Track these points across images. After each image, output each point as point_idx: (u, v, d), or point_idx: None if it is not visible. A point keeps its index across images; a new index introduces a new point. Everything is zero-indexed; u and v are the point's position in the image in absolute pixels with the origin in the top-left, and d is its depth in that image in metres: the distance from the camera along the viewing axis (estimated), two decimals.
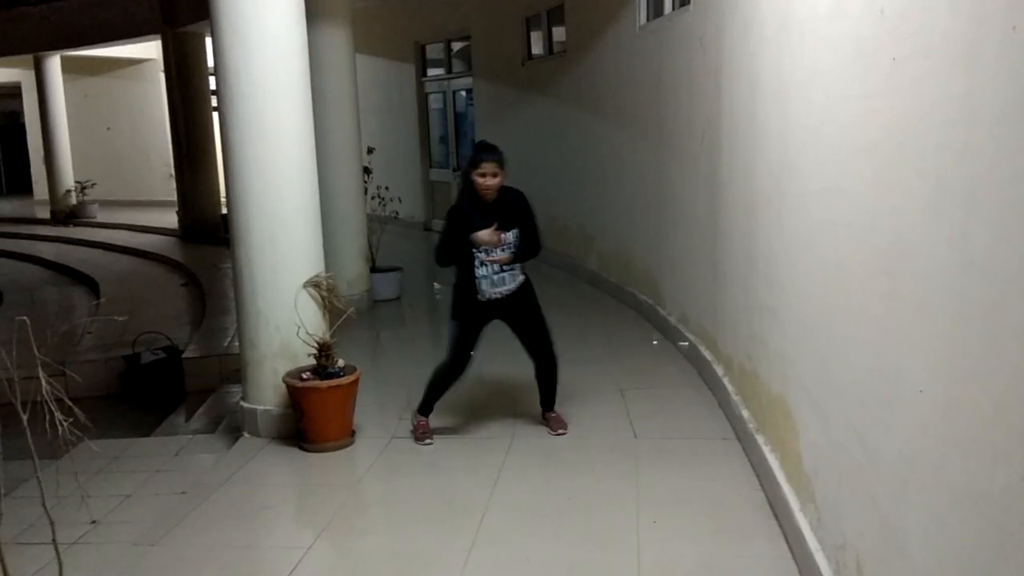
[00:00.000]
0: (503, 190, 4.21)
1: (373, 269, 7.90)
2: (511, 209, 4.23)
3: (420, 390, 4.58)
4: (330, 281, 4.65)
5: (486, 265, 4.20)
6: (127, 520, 3.82)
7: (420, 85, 12.65)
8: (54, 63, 16.38)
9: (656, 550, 3.28)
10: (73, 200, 16.66)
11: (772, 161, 3.61)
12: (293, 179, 4.49)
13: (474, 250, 4.17)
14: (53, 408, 2.39)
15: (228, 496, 3.98)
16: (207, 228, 13.26)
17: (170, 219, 14.43)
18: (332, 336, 4.56)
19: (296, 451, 4.44)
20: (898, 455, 2.20)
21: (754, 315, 4.00)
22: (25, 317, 2.47)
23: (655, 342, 6.22)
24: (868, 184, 2.43)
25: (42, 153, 17.46)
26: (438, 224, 12.42)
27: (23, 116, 20.87)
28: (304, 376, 4.41)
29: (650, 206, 6.53)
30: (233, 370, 5.80)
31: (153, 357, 6.73)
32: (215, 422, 5.35)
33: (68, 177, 16.77)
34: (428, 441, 4.42)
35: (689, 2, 5.37)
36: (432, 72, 12.67)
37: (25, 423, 2.41)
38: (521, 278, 4.33)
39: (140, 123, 18.65)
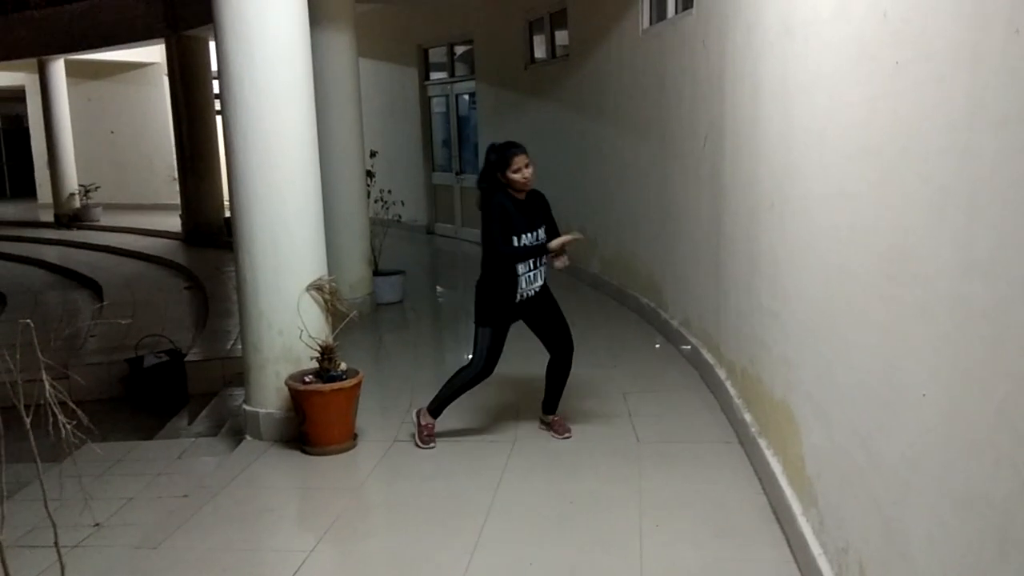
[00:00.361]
0: (528, 190, 4.26)
1: (376, 272, 7.91)
2: (539, 207, 4.29)
3: (423, 393, 4.59)
4: (333, 284, 4.65)
5: (525, 264, 4.21)
6: (129, 523, 3.82)
7: (423, 89, 12.67)
8: (58, 67, 16.41)
9: (658, 554, 3.27)
10: (77, 203, 16.68)
11: (775, 164, 3.61)
12: (296, 182, 4.49)
13: (511, 255, 4.18)
14: (56, 411, 2.39)
15: (230, 499, 3.98)
16: (210, 231, 13.29)
17: (173, 222, 14.46)
18: (335, 339, 4.56)
19: (298, 454, 4.44)
20: (901, 459, 2.19)
21: (757, 319, 3.99)
22: (29, 320, 2.47)
23: (657, 346, 6.22)
24: (871, 187, 2.43)
25: (46, 157, 17.48)
26: (440, 228, 12.45)
27: (27, 120, 20.91)
28: (307, 379, 4.42)
29: (652, 209, 6.53)
30: (236, 373, 5.80)
31: (156, 360, 6.74)
32: (218, 425, 5.36)
33: (72, 180, 16.79)
34: (432, 445, 4.41)
35: (692, 6, 5.37)
36: (435, 76, 12.68)
37: (28, 426, 2.41)
38: (546, 274, 4.36)
39: (144, 127, 18.69)
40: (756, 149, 3.95)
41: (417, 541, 3.50)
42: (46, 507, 2.56)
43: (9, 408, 2.44)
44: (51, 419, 2.39)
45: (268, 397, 4.62)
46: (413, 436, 4.49)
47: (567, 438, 4.45)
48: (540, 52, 9.67)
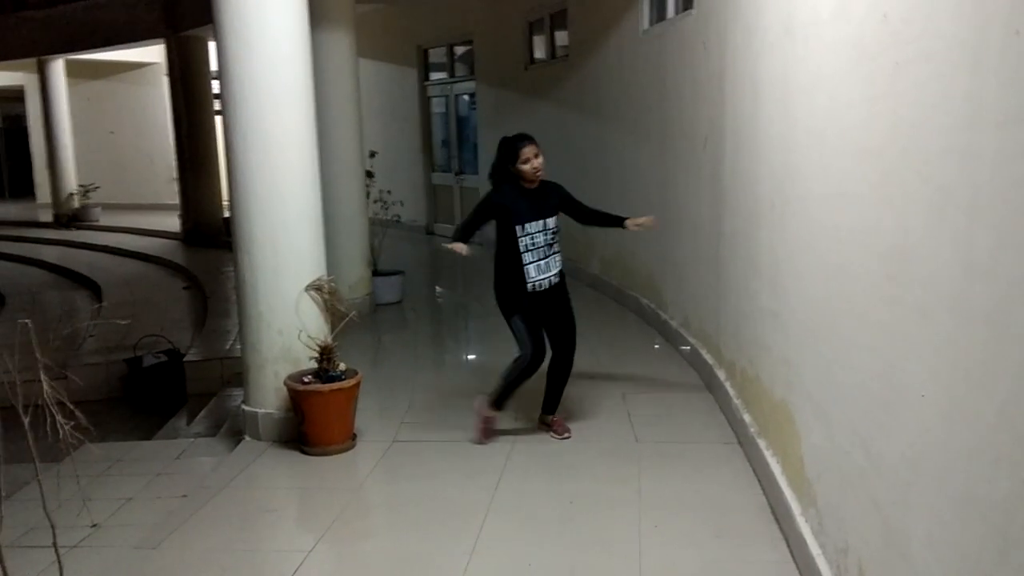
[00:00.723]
0: (541, 181, 4.30)
1: (375, 273, 7.91)
2: (552, 197, 4.33)
3: (422, 393, 4.58)
4: (332, 285, 4.65)
5: (531, 251, 4.23)
6: (128, 523, 3.81)
7: (423, 89, 12.67)
8: (57, 67, 16.41)
9: (657, 554, 3.27)
10: (76, 203, 16.68)
11: (775, 165, 3.60)
12: (295, 183, 4.49)
13: (519, 238, 4.21)
14: (54, 411, 2.39)
15: (229, 499, 3.98)
16: (209, 232, 13.29)
17: (172, 223, 14.46)
18: (334, 340, 4.56)
19: (297, 455, 4.44)
20: (900, 459, 2.19)
21: (756, 319, 3.99)
22: (27, 320, 2.47)
23: (657, 346, 6.22)
24: (871, 188, 2.42)
25: (45, 157, 17.47)
26: (440, 228, 12.44)
27: (26, 119, 20.91)
28: (306, 379, 4.41)
29: (653, 210, 6.48)
30: (235, 373, 5.80)
31: (155, 360, 6.73)
32: (216, 425, 5.35)
33: (71, 180, 16.79)
34: (491, 439, 4.38)
35: (692, 6, 5.37)
36: (435, 76, 12.69)
37: (26, 426, 2.41)
38: (562, 266, 4.37)
39: (143, 127, 18.68)
40: (756, 150, 3.95)
41: (416, 541, 3.50)
42: (44, 508, 2.56)
43: (7, 408, 2.44)
44: (49, 419, 2.39)
45: (267, 397, 4.61)
46: (479, 427, 4.41)
47: (567, 438, 4.45)
48: (540, 52, 9.67)
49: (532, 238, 4.24)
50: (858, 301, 2.54)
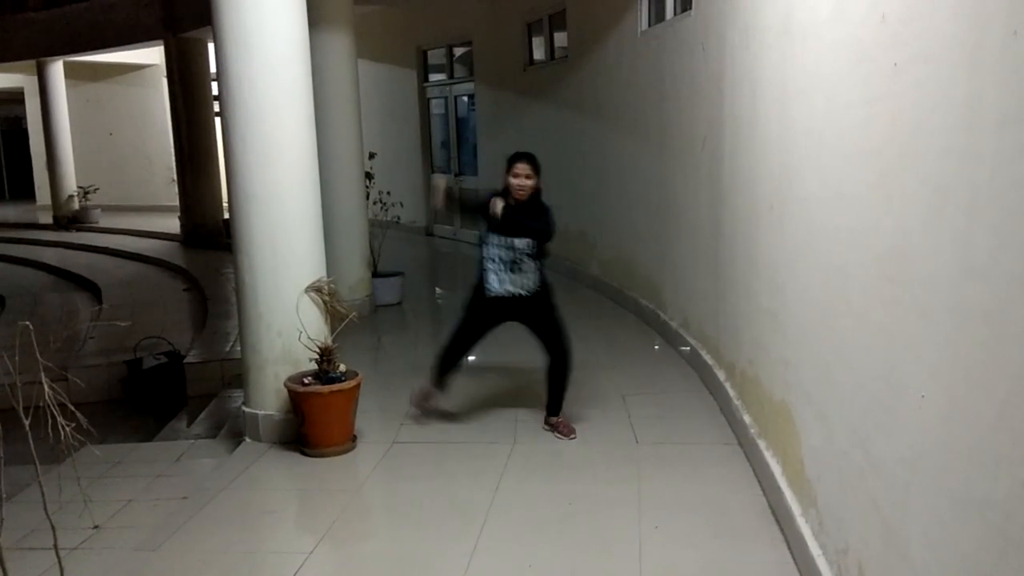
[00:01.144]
0: (536, 200, 4.31)
1: (375, 274, 7.91)
2: (536, 221, 4.30)
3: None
4: (332, 286, 4.65)
5: (492, 261, 4.30)
6: (129, 525, 3.82)
7: (422, 90, 12.68)
8: (57, 68, 16.41)
9: (658, 555, 3.27)
10: (75, 205, 16.69)
11: (774, 166, 3.61)
12: (295, 184, 4.49)
13: (484, 243, 4.33)
14: (55, 413, 2.39)
15: (230, 501, 3.98)
16: (209, 233, 13.29)
17: (172, 224, 14.46)
18: (334, 341, 4.56)
19: (298, 456, 4.44)
20: (900, 460, 2.19)
21: (756, 320, 3.99)
22: (28, 322, 2.47)
23: (657, 347, 6.22)
24: (870, 189, 2.43)
25: (44, 158, 17.48)
26: (439, 229, 12.46)
27: (26, 121, 20.92)
28: (306, 381, 4.42)
29: (652, 211, 6.53)
30: (235, 375, 5.80)
31: (155, 362, 6.74)
32: (217, 427, 5.36)
33: (71, 182, 16.79)
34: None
35: (691, 8, 5.38)
36: (434, 77, 12.69)
37: (27, 428, 2.41)
38: (533, 284, 4.35)
39: (142, 128, 18.69)
40: (755, 150, 3.95)
41: (416, 543, 3.50)
42: (45, 509, 2.56)
43: (8, 410, 2.44)
44: (50, 421, 2.39)
45: (267, 399, 4.61)
46: (415, 403, 4.82)
47: (572, 439, 4.46)
48: (539, 54, 9.67)
49: (496, 249, 4.30)
50: (857, 302, 2.54)
